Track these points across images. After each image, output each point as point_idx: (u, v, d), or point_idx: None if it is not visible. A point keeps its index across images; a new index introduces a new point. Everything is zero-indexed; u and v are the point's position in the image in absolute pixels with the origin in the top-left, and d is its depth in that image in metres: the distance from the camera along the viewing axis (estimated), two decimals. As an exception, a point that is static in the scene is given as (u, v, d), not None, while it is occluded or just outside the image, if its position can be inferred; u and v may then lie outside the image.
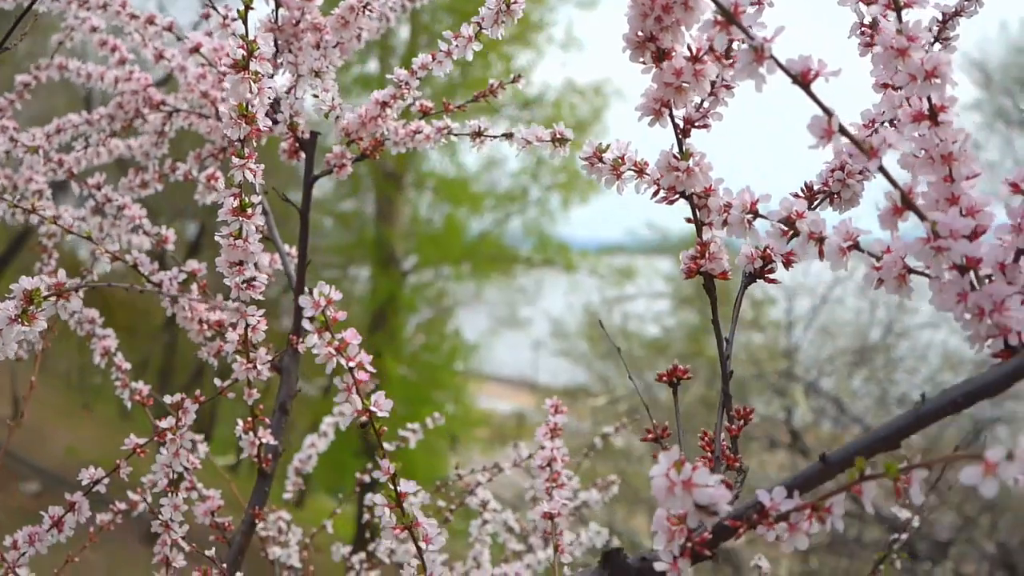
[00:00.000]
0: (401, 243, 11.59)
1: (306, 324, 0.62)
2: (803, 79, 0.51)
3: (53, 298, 0.68)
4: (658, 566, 0.56)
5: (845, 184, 0.68)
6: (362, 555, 1.35)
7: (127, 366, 1.12)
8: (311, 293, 0.61)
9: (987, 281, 0.53)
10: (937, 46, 0.72)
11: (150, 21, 1.11)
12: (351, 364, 0.63)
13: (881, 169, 0.52)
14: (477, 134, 0.98)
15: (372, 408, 0.64)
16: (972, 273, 0.53)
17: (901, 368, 6.85)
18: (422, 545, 0.65)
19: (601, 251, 11.56)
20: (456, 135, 1.00)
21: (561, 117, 10.75)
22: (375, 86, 1.03)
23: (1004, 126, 9.47)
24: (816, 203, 0.69)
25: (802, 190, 0.69)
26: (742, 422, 0.67)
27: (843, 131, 0.51)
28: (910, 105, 0.56)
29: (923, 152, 0.55)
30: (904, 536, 1.13)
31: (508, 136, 0.93)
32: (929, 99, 0.54)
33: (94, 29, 1.22)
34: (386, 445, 1.44)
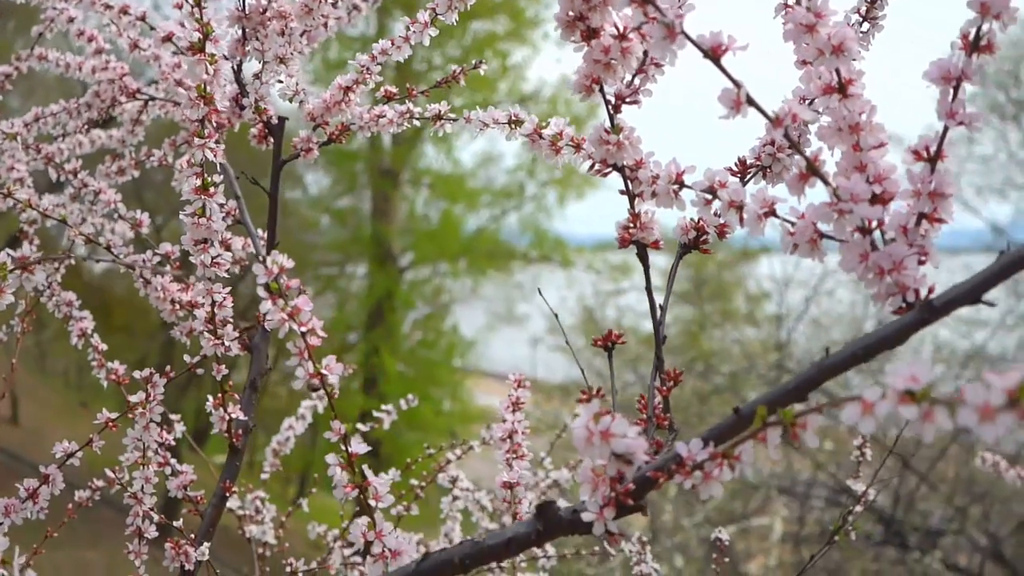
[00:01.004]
0: (398, 240, 11.64)
1: (260, 291, 0.65)
2: (714, 53, 0.55)
3: (18, 271, 0.72)
4: (585, 516, 0.59)
5: (775, 158, 0.71)
6: (335, 531, 1.38)
7: (104, 347, 1.15)
8: (264, 262, 0.64)
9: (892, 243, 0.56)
10: (865, 25, 0.76)
11: (123, 11, 1.14)
12: (303, 329, 0.66)
13: (786, 137, 0.55)
14: (437, 117, 1.01)
15: (323, 372, 0.67)
16: (876, 234, 0.56)
17: (892, 359, 6.89)
18: (372, 502, 0.69)
19: (598, 247, 11.61)
20: (417, 119, 1.03)
21: (557, 113, 10.77)
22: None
23: (998, 120, 9.51)
24: (749, 176, 0.72)
25: (736, 164, 0.73)
26: (672, 383, 0.70)
27: (751, 102, 0.54)
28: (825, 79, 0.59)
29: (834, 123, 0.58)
30: (859, 509, 1.16)
31: (467, 120, 0.96)
32: (838, 72, 0.58)
33: (71, 20, 1.25)
34: (360, 426, 1.47)
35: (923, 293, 0.54)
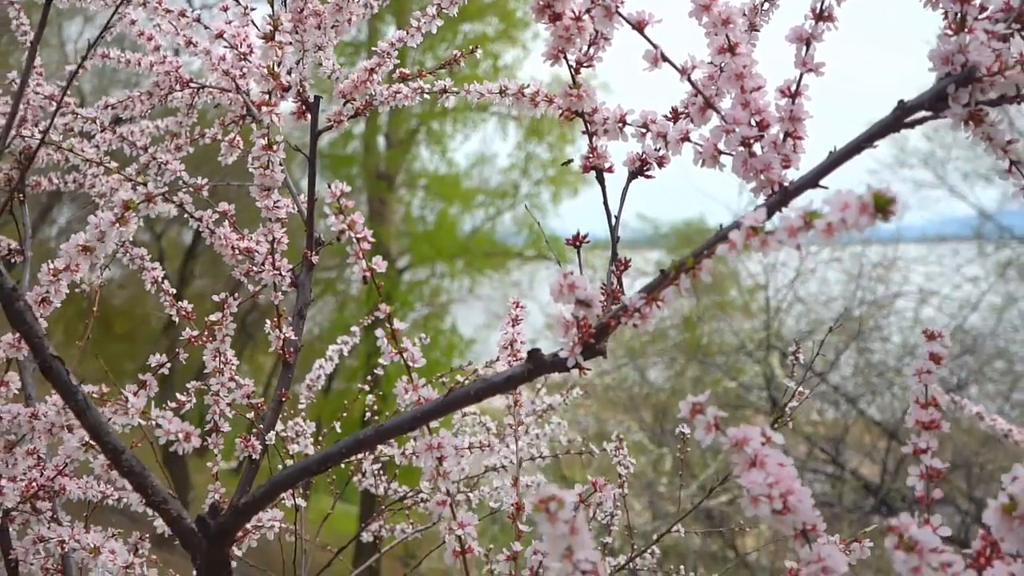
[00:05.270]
0: (395, 242, 11.88)
1: (326, 210, 0.90)
2: (639, 26, 0.80)
3: (144, 203, 0.96)
4: (562, 353, 0.84)
5: (696, 104, 0.96)
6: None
7: (173, 291, 1.40)
8: (329, 186, 0.89)
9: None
10: (767, 5, 1.01)
11: (182, 14, 1.39)
12: (358, 236, 0.91)
13: (690, 81, 0.80)
14: (443, 91, 1.26)
15: (373, 266, 0.92)
16: (757, 147, 0.81)
17: (875, 338, 7.17)
18: (410, 364, 0.94)
19: (594, 245, 11.83)
20: (427, 93, 1.28)
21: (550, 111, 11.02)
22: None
23: (982, 106, 9.74)
24: (681, 120, 0.97)
25: (671, 111, 0.98)
26: (624, 268, 0.95)
27: (664, 58, 0.80)
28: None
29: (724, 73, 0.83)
30: (795, 404, 1.41)
31: (467, 92, 1.22)
32: (728, 38, 0.83)
33: (133, 22, 1.50)
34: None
35: (786, 185, 0.80)
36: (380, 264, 0.92)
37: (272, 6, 1.03)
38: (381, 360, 0.95)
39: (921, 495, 0.77)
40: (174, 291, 1.41)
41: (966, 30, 0.73)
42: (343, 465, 1.69)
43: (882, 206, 0.57)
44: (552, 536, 0.62)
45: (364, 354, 11.02)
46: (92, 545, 1.01)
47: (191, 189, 1.38)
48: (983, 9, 0.75)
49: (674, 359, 8.61)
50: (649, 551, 1.53)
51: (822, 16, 0.81)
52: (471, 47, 1.31)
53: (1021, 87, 0.73)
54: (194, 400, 1.33)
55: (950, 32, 0.74)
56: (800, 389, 1.45)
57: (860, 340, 7.23)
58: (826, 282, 8.65)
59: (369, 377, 1.76)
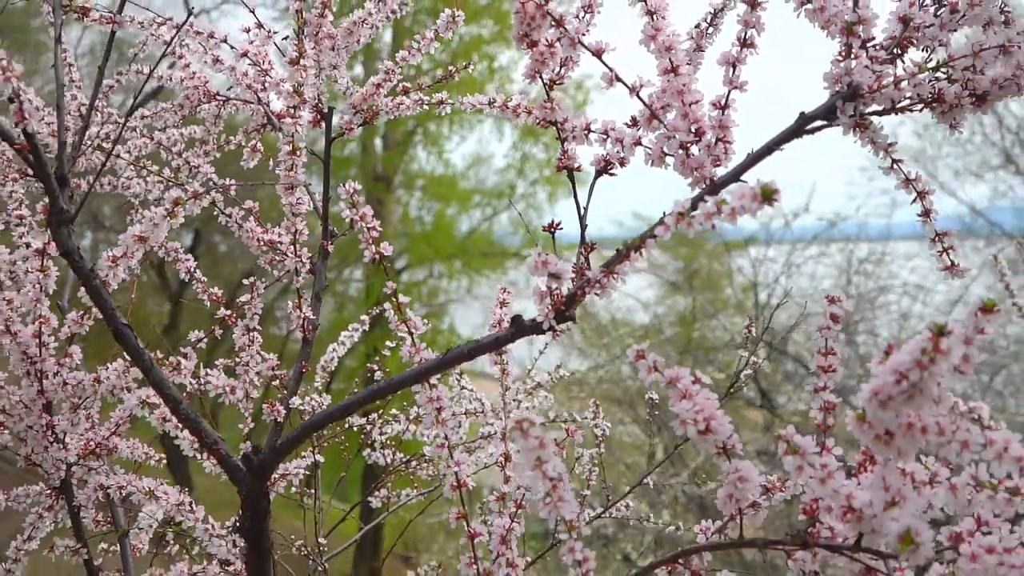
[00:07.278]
0: (393, 242, 12.06)
1: (341, 204, 1.09)
2: (598, 53, 0.99)
3: (191, 200, 1.15)
4: (538, 317, 1.04)
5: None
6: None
7: (205, 279, 1.59)
8: (345, 185, 1.09)
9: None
10: (711, 29, 1.20)
11: (211, 35, 1.58)
12: (368, 226, 1.10)
13: (638, 97, 1.00)
14: (441, 102, 1.46)
15: (381, 251, 1.11)
16: (693, 149, 1.01)
17: (863, 331, 7.36)
18: (412, 330, 1.13)
19: (590, 243, 12.00)
20: (427, 105, 1.48)
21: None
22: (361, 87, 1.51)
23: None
24: (634, 127, 1.16)
25: (630, 119, 1.17)
26: (591, 249, 1.15)
27: (618, 78, 0.99)
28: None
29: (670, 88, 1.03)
30: (749, 372, 1.60)
31: (461, 103, 1.41)
32: (671, 60, 1.02)
33: (167, 43, 1.69)
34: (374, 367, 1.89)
35: (714, 180, 0.99)
36: (387, 248, 1.11)
37: (296, 35, 1.23)
38: (388, 343, 1.14)
39: (820, 423, 0.96)
40: (205, 279, 1.60)
41: (852, 56, 0.92)
42: (354, 428, 1.88)
43: (767, 195, 0.76)
44: (525, 449, 0.81)
45: (363, 355, 11.21)
46: (147, 488, 1.20)
47: (221, 189, 1.57)
48: (869, 40, 0.94)
49: (668, 355, 8.81)
50: (624, 504, 1.72)
51: (745, 43, 1.00)
52: (464, 64, 1.50)
53: (896, 101, 0.92)
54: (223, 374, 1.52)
55: (839, 58, 0.93)
56: (754, 359, 1.64)
57: (849, 333, 7.43)
58: (815, 277, 8.87)
59: (377, 359, 1.94)
